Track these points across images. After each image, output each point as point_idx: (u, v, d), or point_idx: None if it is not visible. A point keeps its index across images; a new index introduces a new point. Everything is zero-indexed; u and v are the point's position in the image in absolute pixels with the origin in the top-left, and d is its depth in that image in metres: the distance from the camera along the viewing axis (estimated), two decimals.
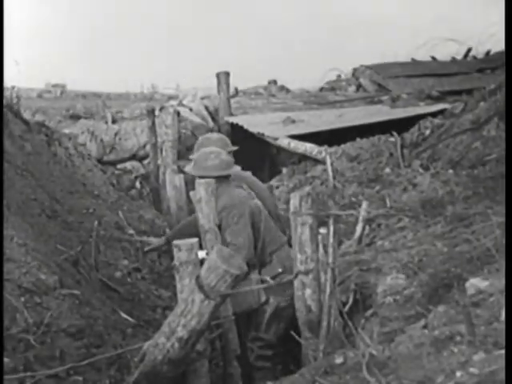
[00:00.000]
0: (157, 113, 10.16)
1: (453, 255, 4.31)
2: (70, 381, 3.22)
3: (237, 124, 10.69)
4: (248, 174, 5.48)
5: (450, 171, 6.87)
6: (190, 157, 5.33)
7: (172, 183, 7.12)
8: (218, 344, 4.36)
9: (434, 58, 15.15)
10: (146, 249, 5.62)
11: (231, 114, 11.44)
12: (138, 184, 10.01)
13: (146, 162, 10.16)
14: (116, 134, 10.52)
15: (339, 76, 15.64)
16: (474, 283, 3.33)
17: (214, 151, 4.99)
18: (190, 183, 6.37)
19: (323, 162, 8.28)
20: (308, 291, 4.00)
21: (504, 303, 2.75)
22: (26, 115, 7.60)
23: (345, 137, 9.08)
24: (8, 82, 6.55)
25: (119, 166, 10.30)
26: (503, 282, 2.98)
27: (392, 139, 8.55)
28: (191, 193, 5.07)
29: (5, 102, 6.27)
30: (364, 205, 5.63)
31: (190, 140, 9.80)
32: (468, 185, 6.09)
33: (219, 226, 4.68)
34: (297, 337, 3.95)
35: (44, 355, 3.30)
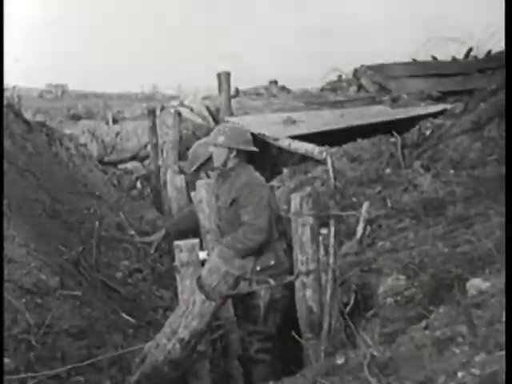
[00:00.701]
0: (158, 113, 10.16)
1: (454, 256, 4.31)
2: (71, 381, 3.22)
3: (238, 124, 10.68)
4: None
5: (451, 172, 6.86)
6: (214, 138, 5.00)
7: (173, 184, 7.12)
8: (219, 345, 4.36)
9: (434, 58, 15.13)
10: (146, 239, 5.63)
11: (232, 115, 11.43)
12: (138, 184, 10.01)
13: (146, 162, 10.17)
14: (117, 135, 10.53)
15: (340, 76, 15.62)
16: (475, 284, 3.33)
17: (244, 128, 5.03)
18: (190, 184, 6.38)
19: (324, 163, 8.27)
20: (309, 292, 4.01)
21: (505, 304, 2.75)
22: (27, 115, 7.60)
23: (346, 137, 9.08)
24: (9, 81, 6.56)
25: (120, 167, 10.31)
26: (504, 282, 2.98)
27: (393, 140, 8.55)
28: (192, 193, 5.08)
29: (6, 101, 6.27)
30: (365, 205, 5.63)
31: (191, 140, 9.80)
32: (469, 185, 6.09)
33: (232, 201, 4.70)
34: (297, 337, 3.95)
35: (45, 356, 3.30)
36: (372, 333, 3.69)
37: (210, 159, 5.47)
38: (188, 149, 6.38)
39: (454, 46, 15.20)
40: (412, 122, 9.24)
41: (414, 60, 14.85)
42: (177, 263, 3.59)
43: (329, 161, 7.99)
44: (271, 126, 10.52)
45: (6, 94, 6.46)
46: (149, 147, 9.71)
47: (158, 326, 3.71)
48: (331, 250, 3.84)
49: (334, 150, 8.62)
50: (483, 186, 5.86)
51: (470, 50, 15.08)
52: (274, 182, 8.76)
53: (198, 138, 9.23)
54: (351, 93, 14.28)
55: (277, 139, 9.77)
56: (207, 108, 11.79)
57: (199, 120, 11.34)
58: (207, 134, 10.76)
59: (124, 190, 9.01)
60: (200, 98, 12.27)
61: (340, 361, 2.94)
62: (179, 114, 9.84)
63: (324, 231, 3.98)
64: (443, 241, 4.76)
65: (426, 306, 3.63)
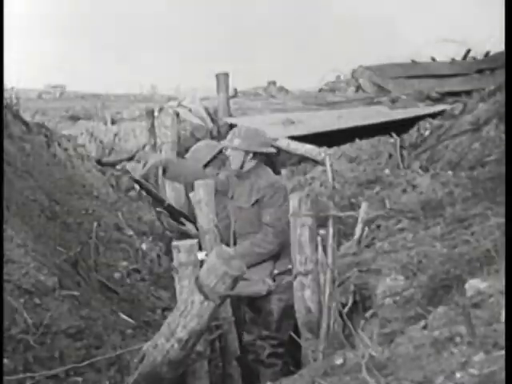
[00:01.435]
0: (156, 114, 10.14)
1: (452, 256, 4.31)
2: (69, 382, 3.22)
3: (236, 125, 10.67)
4: None
5: (450, 172, 6.87)
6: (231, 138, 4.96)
7: (171, 184, 7.12)
8: (217, 345, 4.35)
9: (433, 59, 15.14)
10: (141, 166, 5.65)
11: (230, 115, 11.43)
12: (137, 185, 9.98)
13: None
14: (115, 135, 10.52)
15: (338, 77, 15.63)
16: (474, 284, 3.33)
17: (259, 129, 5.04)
18: (188, 185, 6.37)
19: (322, 163, 8.28)
20: (307, 292, 4.00)
21: (504, 304, 2.75)
22: (26, 116, 7.59)
23: (344, 138, 9.09)
24: (8, 82, 6.55)
25: (118, 167, 10.29)
26: (503, 282, 2.98)
27: (391, 140, 8.56)
28: (191, 194, 5.07)
29: (4, 102, 6.26)
30: (363, 206, 5.62)
31: (190, 141, 9.79)
32: (467, 186, 6.10)
33: (255, 202, 4.69)
34: (296, 337, 3.95)
35: (43, 356, 3.30)
36: (370, 333, 3.69)
37: (211, 161, 5.49)
38: (187, 150, 6.37)
39: (453, 47, 15.22)
40: (411, 122, 9.26)
41: (413, 61, 14.86)
42: (175, 264, 3.59)
43: (327, 161, 8.04)
44: (270, 126, 10.51)
45: (5, 94, 6.44)
46: (147, 148, 9.70)
47: (157, 327, 3.71)
48: (330, 251, 3.84)
49: (332, 150, 8.64)
50: (482, 187, 5.87)
51: (469, 50, 15.09)
52: None
53: (197, 139, 9.24)
54: (350, 93, 14.29)
55: (275, 140, 9.75)
56: (206, 109, 11.78)
57: (198, 121, 11.34)
58: (205, 135, 10.81)
59: (122, 190, 9.00)
60: (198, 98, 12.27)
61: (338, 361, 2.93)
62: (178, 115, 9.83)
63: (322, 232, 3.98)
64: (442, 241, 4.76)
65: (424, 307, 3.63)
